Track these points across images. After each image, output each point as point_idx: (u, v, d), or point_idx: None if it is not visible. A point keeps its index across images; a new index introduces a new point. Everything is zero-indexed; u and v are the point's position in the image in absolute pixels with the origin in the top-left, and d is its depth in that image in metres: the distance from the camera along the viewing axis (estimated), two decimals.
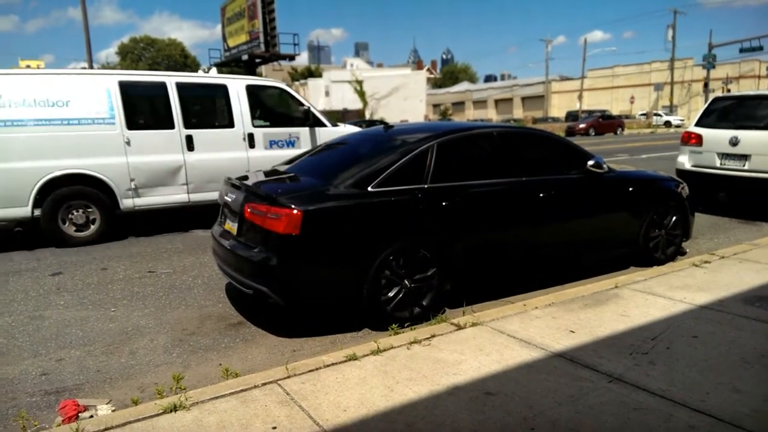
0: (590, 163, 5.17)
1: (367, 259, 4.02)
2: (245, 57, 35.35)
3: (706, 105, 8.94)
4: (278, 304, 3.98)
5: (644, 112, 57.94)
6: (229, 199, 4.48)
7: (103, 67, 49.38)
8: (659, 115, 53.07)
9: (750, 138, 7.88)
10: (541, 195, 4.87)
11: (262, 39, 33.26)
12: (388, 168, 4.29)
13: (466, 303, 4.56)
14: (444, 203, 4.37)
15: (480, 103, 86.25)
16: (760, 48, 40.94)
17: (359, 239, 4.03)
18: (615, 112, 55.55)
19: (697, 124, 8.74)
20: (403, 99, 57.58)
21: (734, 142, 7.98)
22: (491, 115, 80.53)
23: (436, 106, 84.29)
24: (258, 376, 3.23)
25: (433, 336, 3.79)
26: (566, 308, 4.28)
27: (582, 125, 40.63)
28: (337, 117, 46.21)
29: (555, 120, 56.87)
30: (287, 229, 3.81)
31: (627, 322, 3.95)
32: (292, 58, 37.04)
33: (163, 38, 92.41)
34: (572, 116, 52.53)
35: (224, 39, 39.11)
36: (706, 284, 4.75)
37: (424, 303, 4.32)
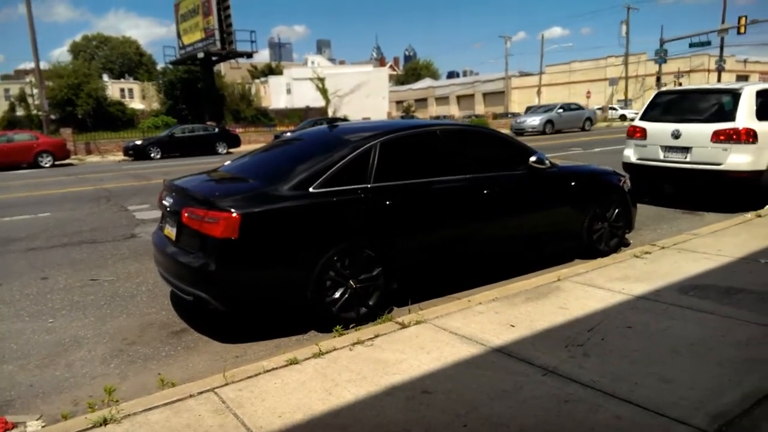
0: (532, 159, 5.26)
1: (310, 261, 3.99)
2: (201, 55, 34.81)
3: (651, 99, 9.22)
4: (219, 310, 3.92)
5: (600, 106, 59.35)
6: (167, 203, 4.38)
7: (53, 66, 47.47)
8: (614, 109, 54.45)
9: (691, 131, 8.15)
10: (485, 192, 4.92)
11: (217, 36, 32.82)
12: (330, 168, 4.27)
13: (414, 301, 4.58)
14: (388, 202, 4.37)
15: (442, 100, 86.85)
16: (708, 43, 42.50)
17: (301, 241, 4.00)
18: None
19: (642, 118, 9.00)
20: (366, 96, 57.48)
21: (676, 135, 8.24)
22: (453, 111, 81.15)
23: (399, 102, 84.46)
24: (194, 385, 3.16)
25: (377, 336, 3.79)
26: (509, 303, 4.34)
27: None
28: (299, 115, 46.15)
29: (515, 115, 57.59)
30: (225, 233, 3.75)
31: (566, 315, 4.03)
32: (249, 55, 36.66)
33: (117, 36, 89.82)
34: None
35: (179, 36, 38.40)
36: (645, 275, 4.89)
37: (370, 303, 4.32)
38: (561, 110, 33.42)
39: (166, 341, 4.14)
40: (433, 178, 4.74)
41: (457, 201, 4.83)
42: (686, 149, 8.17)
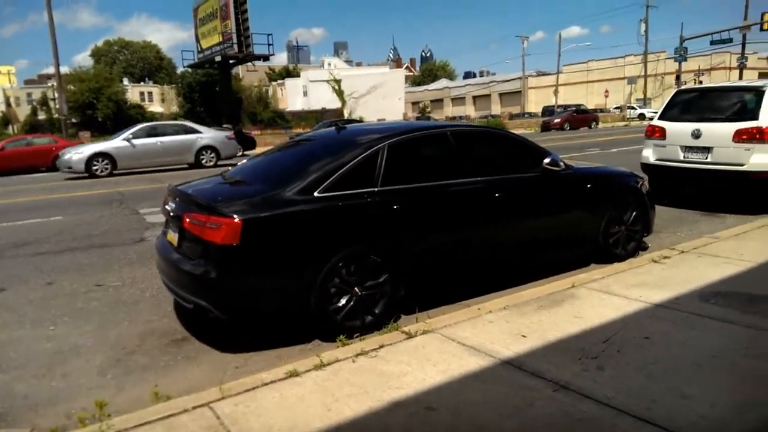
0: (546, 161, 5.07)
1: (314, 268, 3.86)
2: (218, 58, 35.01)
3: (670, 98, 8.94)
4: (220, 319, 3.81)
5: (618, 105, 58.58)
6: (170, 208, 4.29)
7: (75, 71, 48.27)
8: (633, 108, 53.70)
9: (712, 130, 7.87)
10: (496, 195, 4.75)
11: (235, 40, 32.94)
12: (336, 172, 4.14)
13: (423, 308, 4.43)
14: (396, 207, 4.23)
15: (458, 100, 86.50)
16: (730, 40, 41.68)
17: (305, 248, 3.87)
18: (590, 106, 56.10)
19: (661, 118, 8.73)
20: (382, 97, 57.50)
21: (697, 135, 7.97)
22: (470, 111, 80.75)
23: (415, 103, 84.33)
24: (189, 399, 3.05)
25: (382, 346, 3.64)
26: (521, 311, 4.17)
27: (557, 120, 40.89)
28: (315, 117, 46.23)
29: (532, 115, 57.17)
30: (227, 239, 3.64)
31: (580, 324, 3.85)
32: (266, 58, 36.77)
33: (137, 41, 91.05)
34: (548, 111, 52.83)
35: (197, 40, 38.65)
36: (664, 281, 4.68)
37: (376, 311, 4.17)
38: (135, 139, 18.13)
39: (165, 350, 4.04)
40: (443, 181, 4.59)
41: (468, 205, 4.67)
42: (707, 149, 7.89)
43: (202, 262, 3.77)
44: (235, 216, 3.66)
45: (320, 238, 3.93)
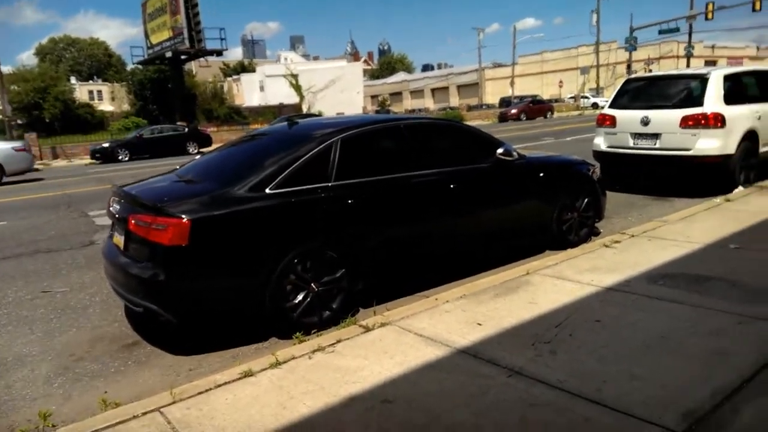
0: (499, 151, 5.12)
1: (268, 266, 3.79)
2: (169, 54, 34.07)
3: (619, 87, 9.16)
4: (171, 322, 3.71)
5: (573, 95, 59.88)
6: (114, 210, 4.14)
7: (18, 70, 46.19)
8: (586, 97, 55.01)
9: (660, 117, 8.11)
10: (451, 186, 4.77)
11: (186, 35, 32.15)
12: (287, 167, 4.07)
13: (382, 301, 4.43)
14: (350, 201, 4.19)
15: (417, 93, 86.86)
16: (677, 29, 43.06)
17: (257, 246, 3.80)
18: (546, 96, 57.19)
19: (611, 106, 8.94)
20: (340, 91, 57.05)
21: (645, 122, 8.19)
22: (428, 104, 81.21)
23: (374, 97, 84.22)
24: (138, 405, 2.95)
25: (339, 341, 3.61)
26: (477, 300, 4.20)
27: (513, 111, 41.53)
28: (273, 112, 45.58)
29: (489, 107, 57.88)
30: (174, 240, 3.53)
31: (534, 310, 3.91)
32: (219, 53, 36.00)
33: (85, 38, 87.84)
34: (505, 102, 53.57)
35: (146, 36, 37.57)
36: (615, 265, 4.79)
37: (334, 306, 4.14)
38: None
39: (116, 356, 3.91)
40: (397, 174, 4.57)
41: (423, 197, 4.67)
42: (655, 136, 8.13)
43: (150, 264, 3.66)
44: (183, 216, 3.56)
45: (273, 235, 3.86)
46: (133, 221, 3.76)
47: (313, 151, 4.21)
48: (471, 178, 4.94)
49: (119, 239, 4.09)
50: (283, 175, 4.02)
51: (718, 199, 7.16)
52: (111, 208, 4.23)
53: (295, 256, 3.91)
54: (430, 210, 4.70)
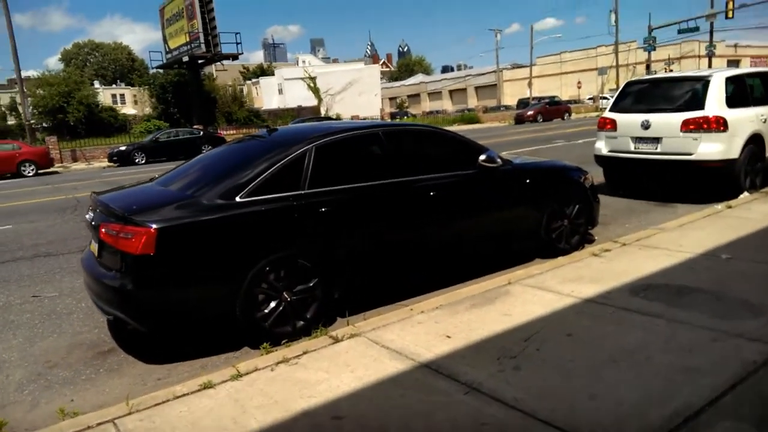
0: (482, 157, 5.05)
1: (238, 276, 3.78)
2: (186, 58, 34.53)
3: (620, 89, 8.99)
4: (139, 331, 3.72)
5: (591, 96, 59.11)
6: (89, 218, 4.18)
7: (43, 75, 47.16)
8: (606, 98, 54.11)
9: (660, 120, 7.93)
10: (431, 194, 4.72)
11: (202, 39, 32.55)
12: (259, 176, 4.06)
13: (360, 310, 4.41)
14: (324, 209, 4.16)
15: (435, 95, 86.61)
16: (697, 28, 42.15)
17: (227, 255, 3.79)
18: (564, 97, 56.54)
19: (612, 109, 8.77)
20: (358, 94, 57.22)
21: (646, 126, 8.02)
22: (446, 105, 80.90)
23: (392, 99, 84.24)
24: (94, 416, 2.97)
25: (305, 353, 3.59)
26: (453, 310, 4.14)
27: (530, 112, 41.07)
28: (292, 115, 45.83)
29: (508, 108, 57.37)
30: (142, 249, 3.54)
31: (507, 323, 3.83)
32: (235, 57, 36.31)
33: (108, 42, 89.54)
34: (523, 103, 53.08)
35: (165, 41, 38.13)
36: (599, 274, 4.69)
37: (308, 316, 4.11)
38: None
39: (89, 363, 3.94)
40: (374, 182, 4.53)
41: (401, 205, 4.63)
42: (656, 140, 7.95)
43: (119, 273, 3.68)
44: (151, 225, 3.57)
45: (243, 244, 3.85)
46: (103, 230, 3.79)
47: (286, 159, 4.19)
48: (451, 186, 4.87)
49: (94, 246, 4.13)
50: (254, 183, 4.01)
51: (719, 206, 6.96)
52: (87, 216, 4.27)
53: (266, 264, 3.90)
54: (408, 218, 4.65)
